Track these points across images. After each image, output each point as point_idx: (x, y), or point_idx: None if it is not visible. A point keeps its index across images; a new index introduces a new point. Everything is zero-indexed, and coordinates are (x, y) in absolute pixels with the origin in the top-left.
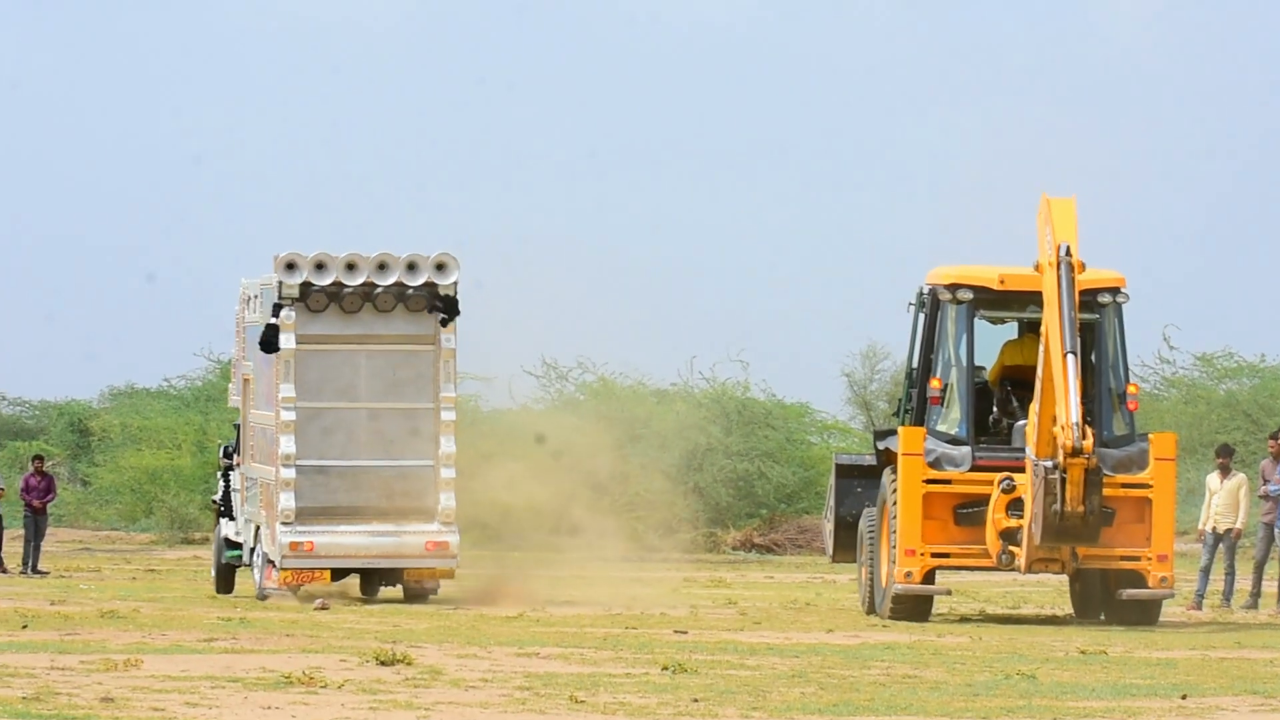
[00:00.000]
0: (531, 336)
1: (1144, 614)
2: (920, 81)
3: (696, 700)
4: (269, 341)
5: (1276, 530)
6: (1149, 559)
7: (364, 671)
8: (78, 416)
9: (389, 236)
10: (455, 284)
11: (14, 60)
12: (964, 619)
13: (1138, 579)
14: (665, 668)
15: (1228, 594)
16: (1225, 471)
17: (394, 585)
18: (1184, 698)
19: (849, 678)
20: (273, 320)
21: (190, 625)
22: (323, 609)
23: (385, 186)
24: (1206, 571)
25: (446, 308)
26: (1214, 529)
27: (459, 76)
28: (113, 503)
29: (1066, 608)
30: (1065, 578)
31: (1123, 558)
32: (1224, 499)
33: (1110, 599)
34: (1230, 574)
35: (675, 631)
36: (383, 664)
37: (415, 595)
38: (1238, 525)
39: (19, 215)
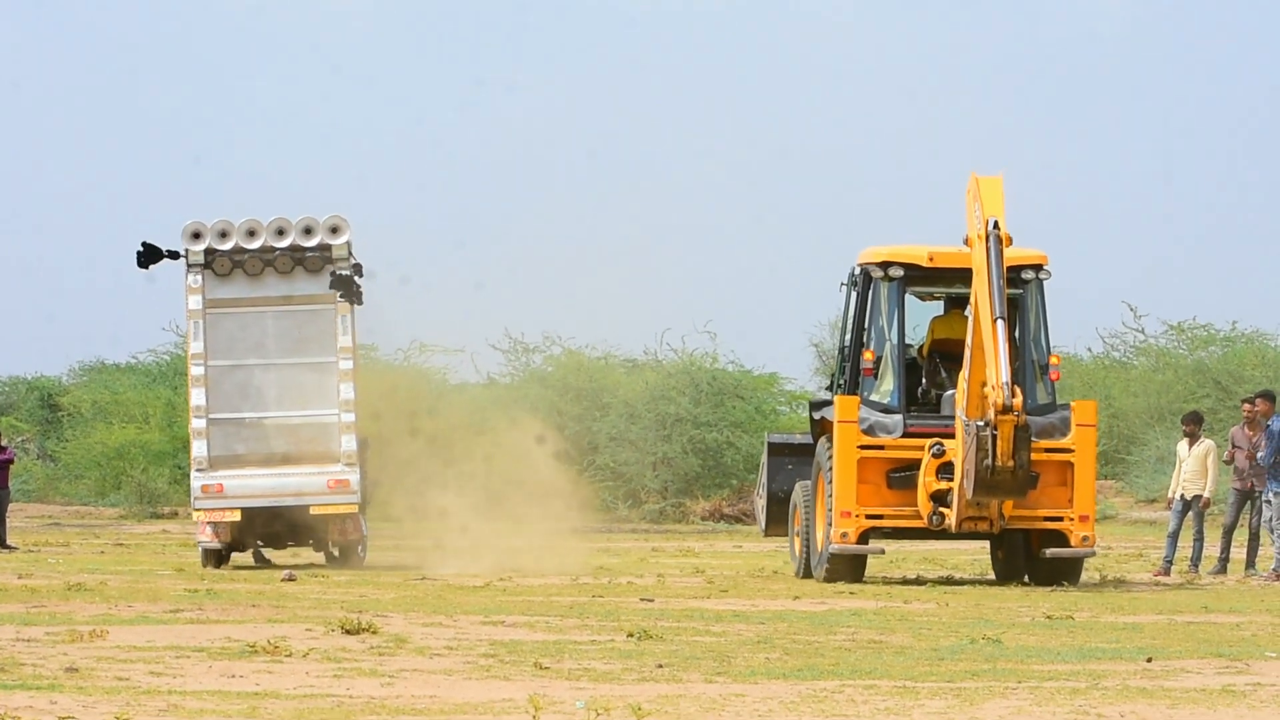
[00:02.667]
0: (497, 309)
1: (1066, 572)
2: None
3: (661, 666)
4: (143, 259)
5: (1267, 498)
6: (1071, 519)
7: (329, 640)
8: (47, 392)
9: (388, 236)
10: (348, 244)
11: (14, 60)
12: (906, 581)
13: (1061, 539)
14: (630, 634)
15: (1195, 559)
16: (1193, 439)
17: (307, 545)
18: (1149, 661)
19: (814, 643)
20: (149, 242)
21: (156, 597)
22: (289, 580)
23: (385, 186)
24: (1174, 538)
25: (345, 292)
26: (1182, 495)
27: (458, 77)
28: (82, 477)
29: (989, 573)
30: (986, 546)
31: (1046, 518)
32: (1192, 465)
33: (1033, 560)
34: (1199, 540)
35: (641, 599)
36: (348, 633)
37: (340, 557)
38: (1206, 493)
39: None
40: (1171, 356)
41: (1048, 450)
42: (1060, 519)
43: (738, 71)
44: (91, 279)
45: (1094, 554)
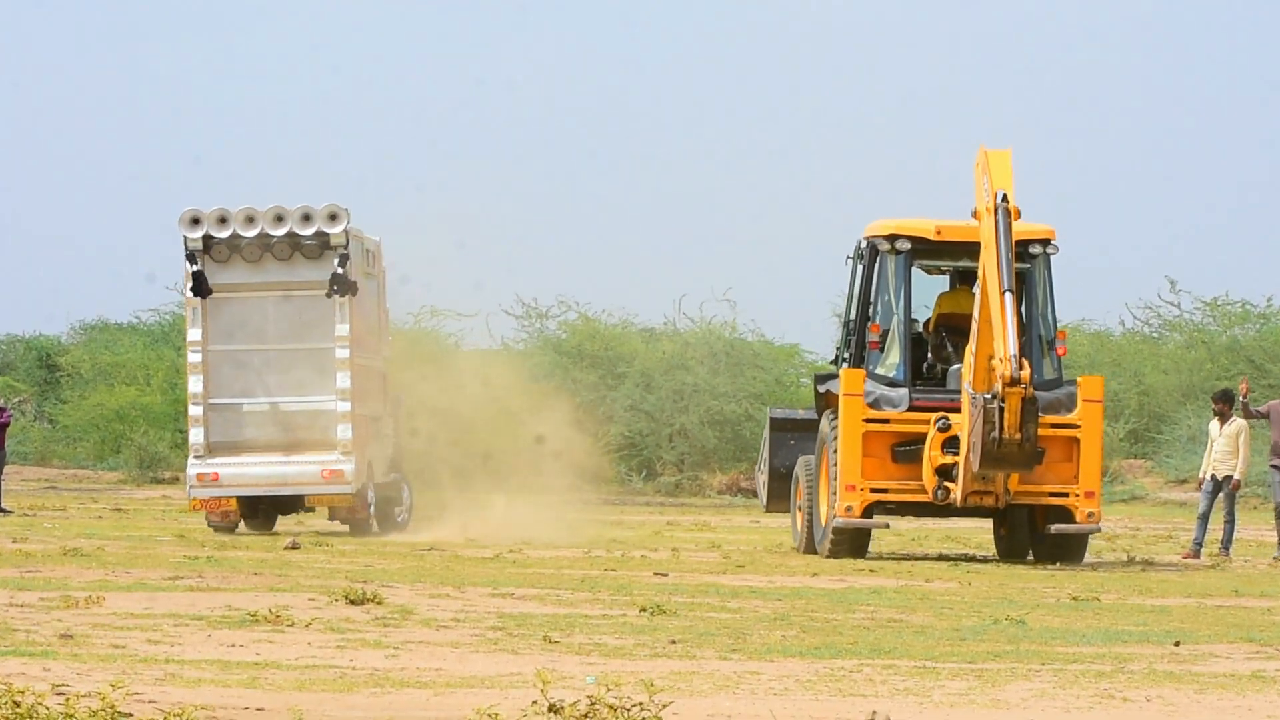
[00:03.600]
0: (511, 274)
1: (1072, 549)
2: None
3: (674, 642)
4: (199, 288)
5: None
6: (1077, 495)
7: (333, 610)
8: (46, 351)
9: (389, 236)
10: (345, 232)
11: (14, 60)
12: (917, 558)
13: (1066, 515)
14: (643, 609)
15: (1226, 542)
16: (1224, 418)
17: (308, 511)
18: (1177, 644)
19: (832, 621)
20: (195, 268)
21: (155, 564)
22: (293, 548)
23: (384, 185)
24: (1205, 519)
25: (343, 289)
26: (1213, 476)
27: (459, 76)
28: (80, 440)
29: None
30: (990, 524)
31: (1052, 494)
32: (1223, 445)
33: (1038, 537)
34: (1229, 522)
35: (655, 574)
36: (352, 603)
37: (351, 530)
38: (1237, 474)
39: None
40: (1205, 333)
41: (1053, 426)
42: (1066, 495)
43: (761, 34)
44: (92, 236)
45: (1099, 530)
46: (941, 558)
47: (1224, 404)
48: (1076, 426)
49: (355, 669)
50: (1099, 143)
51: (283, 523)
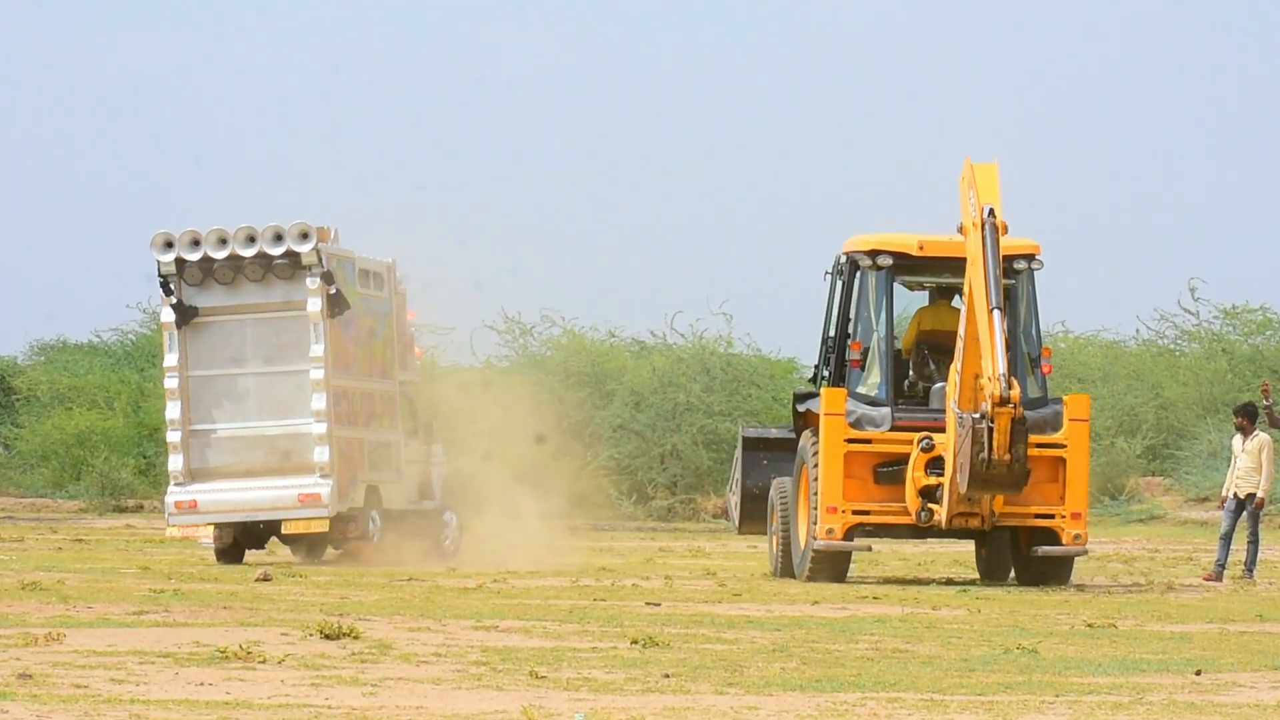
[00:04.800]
0: (494, 288)
1: (1057, 572)
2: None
3: (668, 675)
4: (181, 317)
5: None
6: (1063, 516)
7: (307, 646)
8: (1, 373)
9: (387, 235)
10: (316, 251)
11: (13, 60)
12: (883, 580)
13: (1052, 536)
14: (635, 641)
15: (1250, 564)
16: (1246, 433)
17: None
18: (1198, 674)
19: (834, 652)
20: (173, 300)
21: (119, 597)
22: (264, 579)
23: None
24: (1227, 539)
25: (338, 308)
26: (1235, 494)
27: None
28: (38, 467)
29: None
30: (959, 543)
31: (1037, 515)
32: (1245, 462)
33: (1022, 558)
34: (1254, 542)
35: (647, 603)
36: (327, 637)
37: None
38: (1260, 492)
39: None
40: (1225, 343)
41: (1039, 445)
42: (1052, 516)
43: (764, 40)
44: (51, 250)
45: (1085, 553)
46: (950, 583)
47: (1246, 418)
48: (1063, 446)
49: (331, 708)
50: (1111, 148)
51: (284, 549)
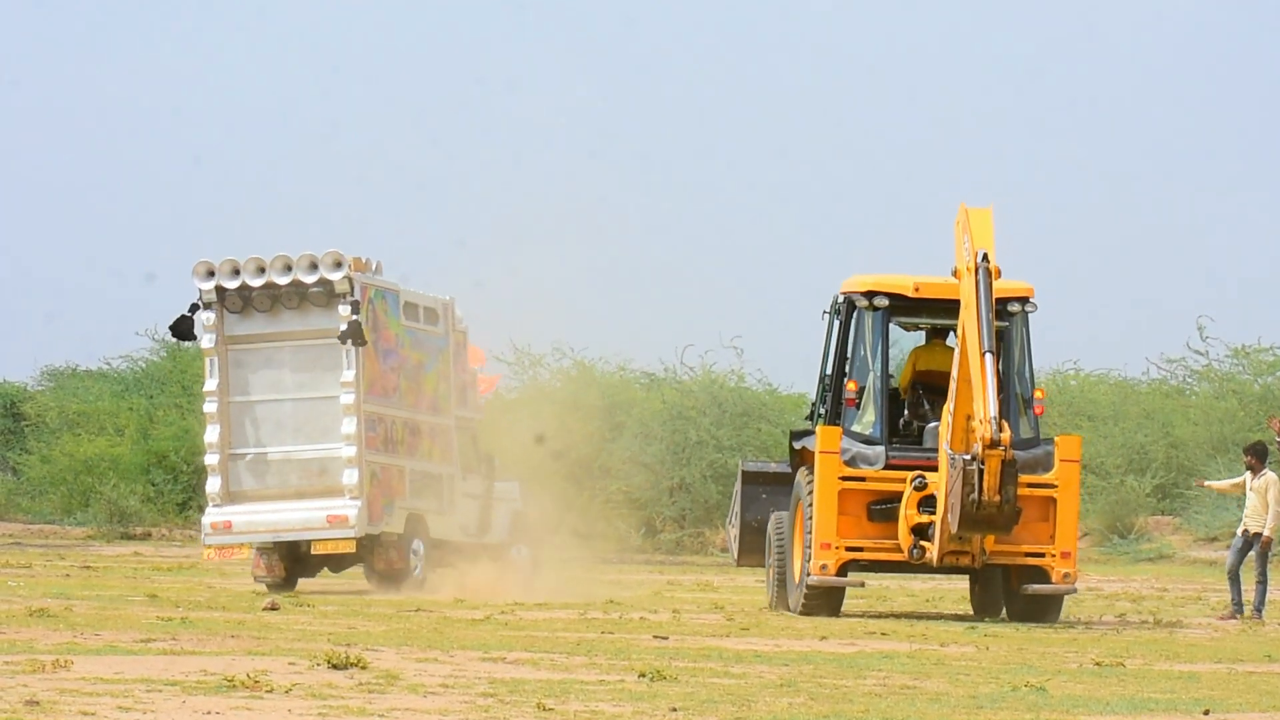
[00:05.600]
0: (505, 320)
1: (1046, 609)
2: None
3: (675, 710)
4: (180, 330)
5: None
6: (1053, 555)
7: (314, 675)
8: (10, 399)
9: (388, 235)
10: (348, 279)
11: (14, 59)
12: (879, 615)
13: (1042, 575)
14: (643, 675)
15: (1258, 604)
16: (1255, 472)
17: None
18: (1206, 714)
19: (842, 688)
20: (185, 313)
21: (126, 625)
22: (272, 608)
23: (384, 185)
24: (1235, 578)
25: (356, 339)
26: (1244, 531)
27: (458, 76)
28: (47, 494)
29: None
30: (965, 580)
31: (1028, 554)
32: (1253, 500)
33: (1013, 595)
34: (1262, 582)
35: (655, 637)
36: (335, 667)
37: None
38: (1267, 531)
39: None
40: (1235, 382)
41: (1030, 485)
42: (1042, 555)
43: (775, 61)
44: (62, 276)
45: (1074, 591)
46: (960, 618)
47: (1255, 457)
48: (1053, 486)
49: None
50: (1118, 189)
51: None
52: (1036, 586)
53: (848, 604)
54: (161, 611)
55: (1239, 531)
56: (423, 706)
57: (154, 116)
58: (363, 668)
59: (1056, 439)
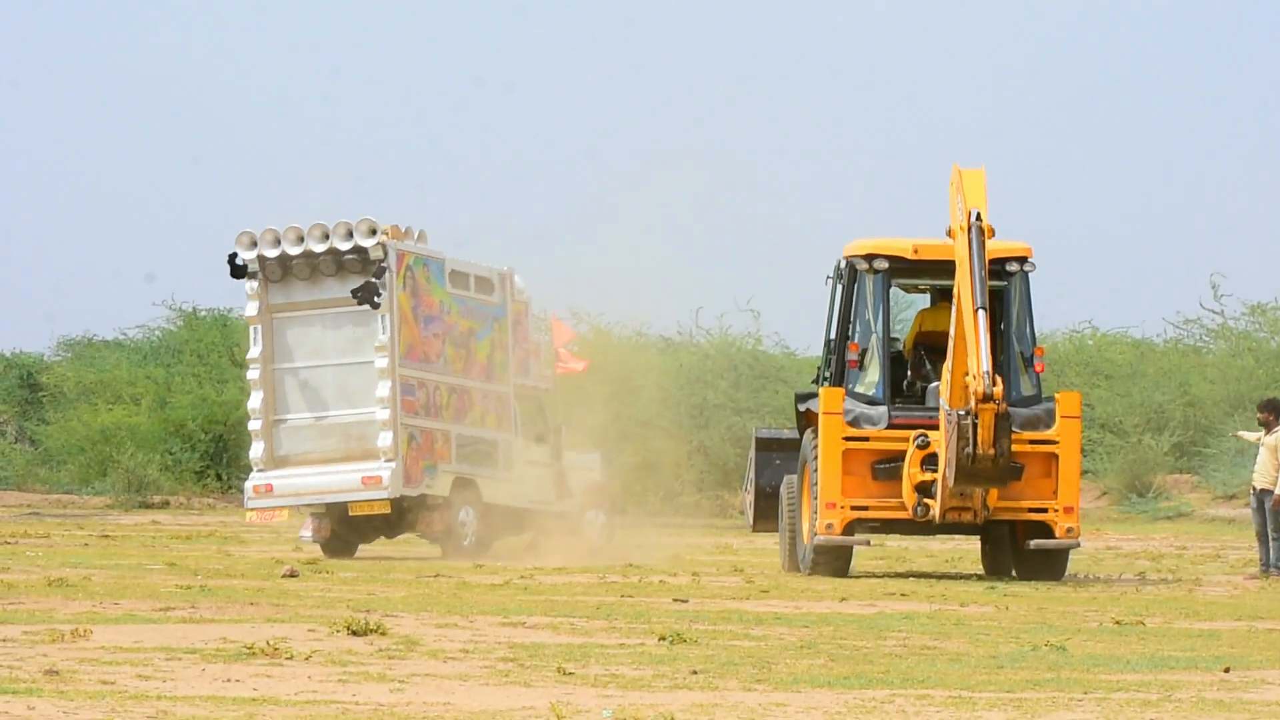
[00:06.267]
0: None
1: (1052, 565)
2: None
3: (695, 672)
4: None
5: None
6: (1056, 510)
7: (334, 642)
8: (27, 369)
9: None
10: (381, 245)
11: (13, 59)
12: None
13: (1045, 530)
14: (663, 638)
15: (1266, 560)
16: (1269, 428)
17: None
18: (1227, 671)
19: (862, 649)
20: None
21: (145, 594)
22: (291, 575)
23: (384, 185)
24: (1263, 538)
25: (364, 297)
26: (1252, 488)
27: (458, 76)
28: (65, 463)
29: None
30: (976, 541)
31: (1031, 510)
32: (1263, 456)
33: (1021, 553)
34: (1274, 538)
35: (675, 600)
36: (354, 634)
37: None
38: (1277, 489)
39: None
40: (1251, 340)
41: (1032, 442)
42: (1045, 510)
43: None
44: (77, 247)
45: (1078, 545)
46: (979, 579)
47: (1270, 413)
48: (1055, 443)
49: (358, 704)
50: (1133, 149)
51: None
52: (1040, 541)
53: (867, 565)
54: (180, 580)
55: (1252, 490)
56: (443, 671)
57: (139, 125)
58: (382, 634)
59: (1057, 395)
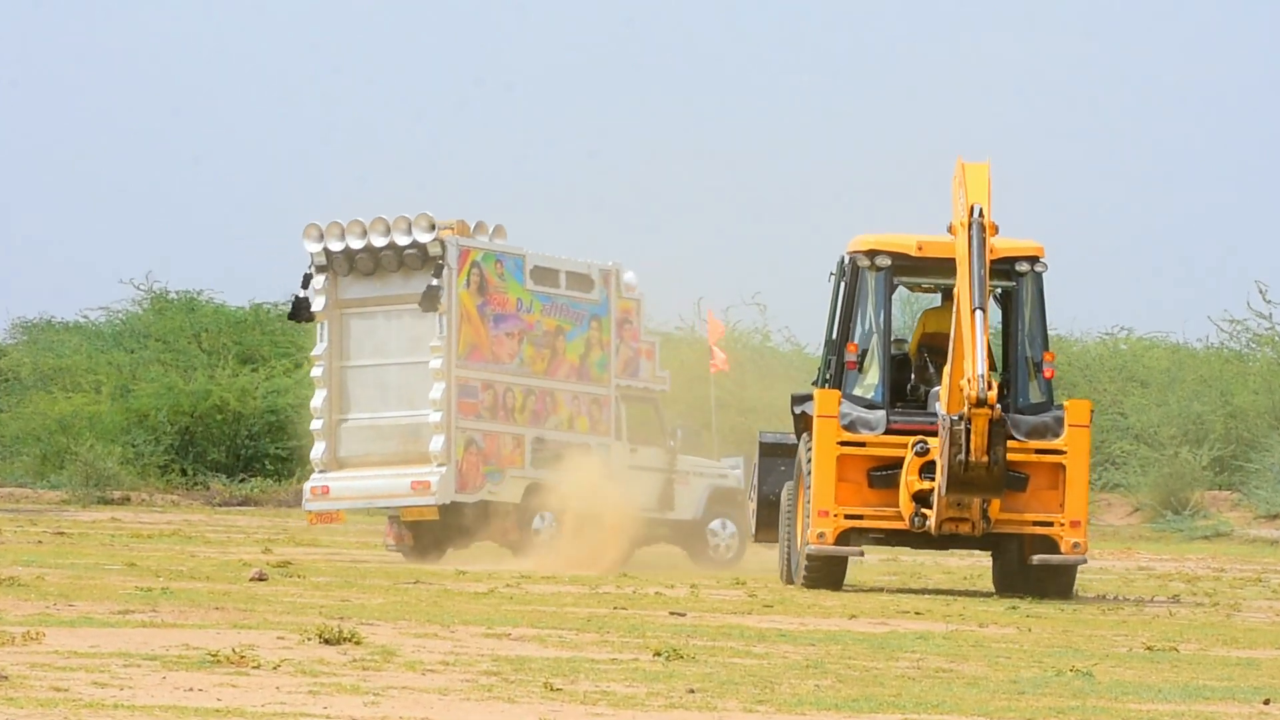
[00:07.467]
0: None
1: (1058, 581)
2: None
3: (693, 691)
4: (295, 312)
5: None
6: (1062, 524)
7: (304, 650)
8: None
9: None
10: (439, 241)
11: (14, 59)
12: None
13: (1051, 545)
14: (658, 654)
15: None
16: None
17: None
18: (1267, 703)
19: (872, 670)
20: (299, 294)
21: (102, 595)
22: (259, 579)
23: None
24: None
25: (430, 304)
26: None
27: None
28: (19, 455)
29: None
30: (986, 557)
31: (1035, 523)
32: None
33: (1025, 569)
34: None
35: (672, 613)
36: (327, 642)
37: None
38: None
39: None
40: None
41: (1038, 451)
42: (1050, 524)
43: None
44: (36, 224)
45: (1085, 561)
46: (1000, 598)
47: None
48: (1062, 452)
49: (330, 717)
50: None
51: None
52: (1044, 557)
53: (879, 580)
54: (140, 581)
55: None
56: (421, 685)
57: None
58: (357, 643)
59: (1066, 403)
